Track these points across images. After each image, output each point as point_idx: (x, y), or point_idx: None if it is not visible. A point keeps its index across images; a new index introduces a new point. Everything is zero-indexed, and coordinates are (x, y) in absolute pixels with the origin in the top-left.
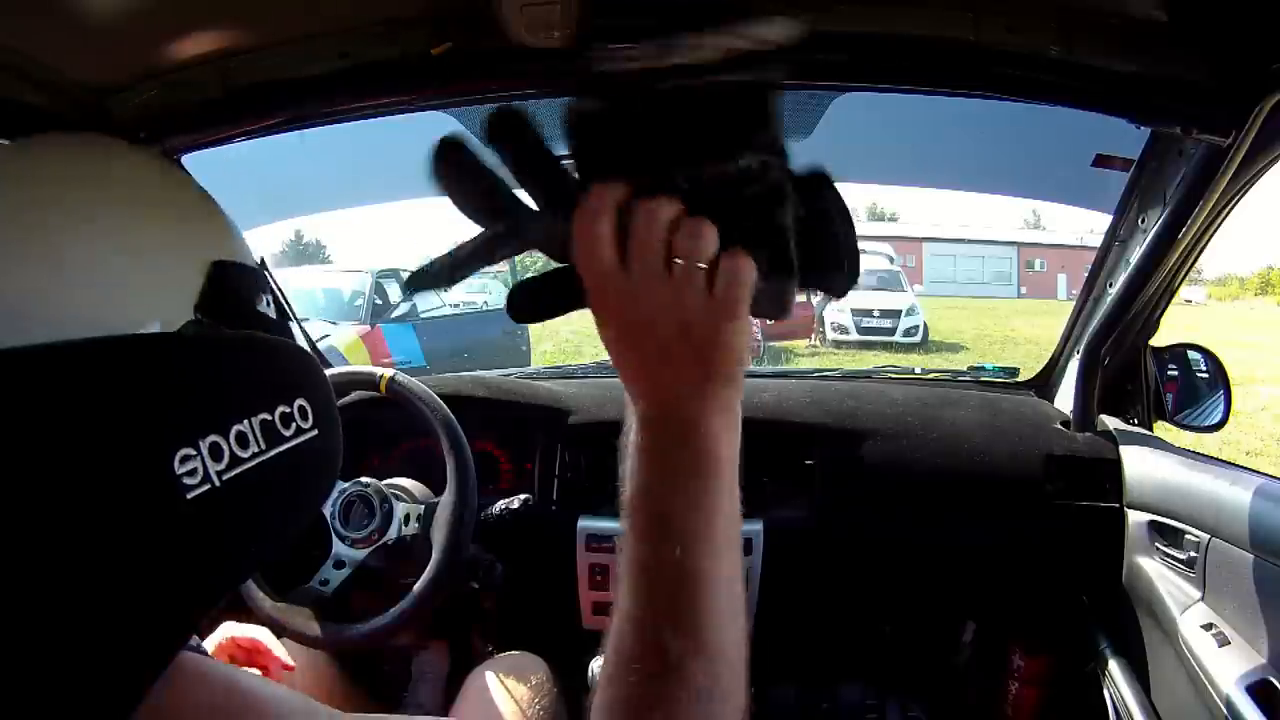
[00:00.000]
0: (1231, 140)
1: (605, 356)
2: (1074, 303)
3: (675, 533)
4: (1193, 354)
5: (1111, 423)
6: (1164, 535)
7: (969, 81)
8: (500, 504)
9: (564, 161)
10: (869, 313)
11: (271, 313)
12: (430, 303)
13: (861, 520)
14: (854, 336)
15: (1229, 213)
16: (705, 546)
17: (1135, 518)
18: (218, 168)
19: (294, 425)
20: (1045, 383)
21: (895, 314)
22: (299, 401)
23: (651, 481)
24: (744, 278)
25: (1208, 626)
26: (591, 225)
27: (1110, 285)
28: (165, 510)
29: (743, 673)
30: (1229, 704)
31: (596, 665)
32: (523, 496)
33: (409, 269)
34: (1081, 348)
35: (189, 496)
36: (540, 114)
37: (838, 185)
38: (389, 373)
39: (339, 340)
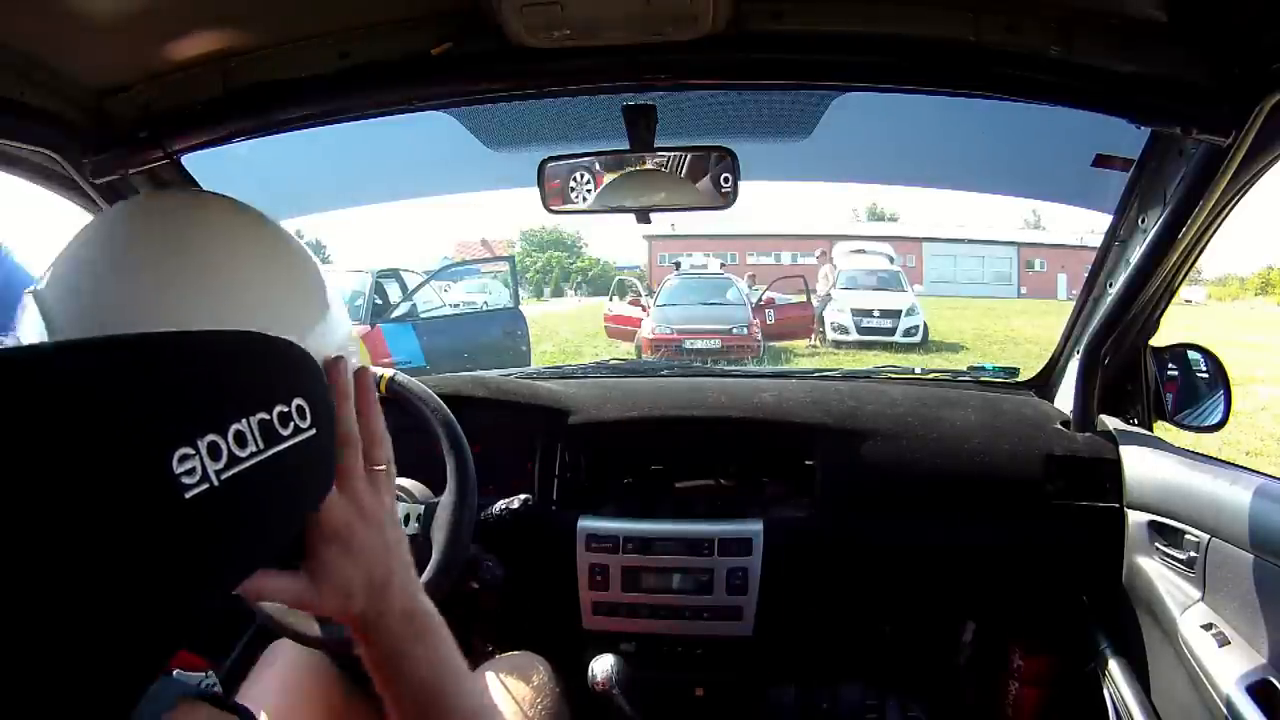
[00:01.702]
0: (1231, 140)
1: (605, 356)
2: (1074, 303)
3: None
4: (1193, 354)
5: (1111, 423)
6: (1164, 535)
7: (969, 81)
8: (500, 504)
9: None
10: (869, 313)
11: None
12: (430, 303)
13: (861, 520)
14: (854, 336)
15: (1229, 213)
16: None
17: (1135, 518)
18: (218, 168)
19: (292, 425)
20: (1045, 383)
21: (895, 314)
22: (297, 401)
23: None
24: None
25: (1208, 626)
26: None
27: (1110, 285)
28: (164, 510)
29: None
30: (1229, 704)
31: (597, 665)
32: (523, 496)
33: (409, 269)
34: (1081, 348)
35: (187, 496)
36: (536, 114)
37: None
38: (389, 373)
39: None
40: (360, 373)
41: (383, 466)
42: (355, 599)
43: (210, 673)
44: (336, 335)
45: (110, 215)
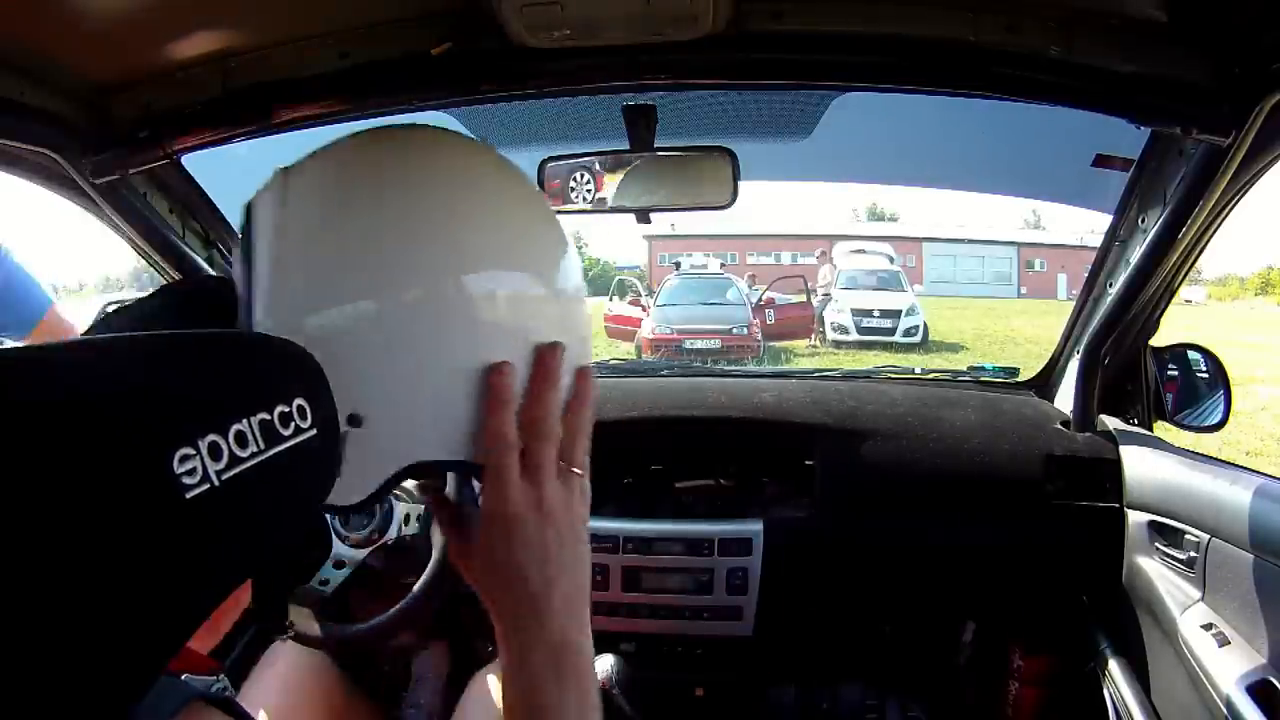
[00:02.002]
0: (1231, 140)
1: (605, 356)
2: (1074, 303)
3: None
4: (1193, 354)
5: (1111, 423)
6: (1164, 535)
7: (969, 81)
8: None
9: None
10: (869, 313)
11: None
12: None
13: (861, 520)
14: (854, 336)
15: (1229, 213)
16: None
17: (1135, 518)
18: (218, 168)
19: (293, 425)
20: (1045, 383)
21: (895, 314)
22: (298, 401)
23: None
24: None
25: (1208, 626)
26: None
27: (1110, 285)
28: (164, 510)
29: None
30: (1229, 704)
31: (597, 665)
32: None
33: None
34: (1081, 348)
35: (188, 496)
36: (536, 114)
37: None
38: None
39: None
40: (581, 373)
41: (579, 471)
42: (500, 599)
43: (222, 676)
44: (574, 277)
45: (341, 154)
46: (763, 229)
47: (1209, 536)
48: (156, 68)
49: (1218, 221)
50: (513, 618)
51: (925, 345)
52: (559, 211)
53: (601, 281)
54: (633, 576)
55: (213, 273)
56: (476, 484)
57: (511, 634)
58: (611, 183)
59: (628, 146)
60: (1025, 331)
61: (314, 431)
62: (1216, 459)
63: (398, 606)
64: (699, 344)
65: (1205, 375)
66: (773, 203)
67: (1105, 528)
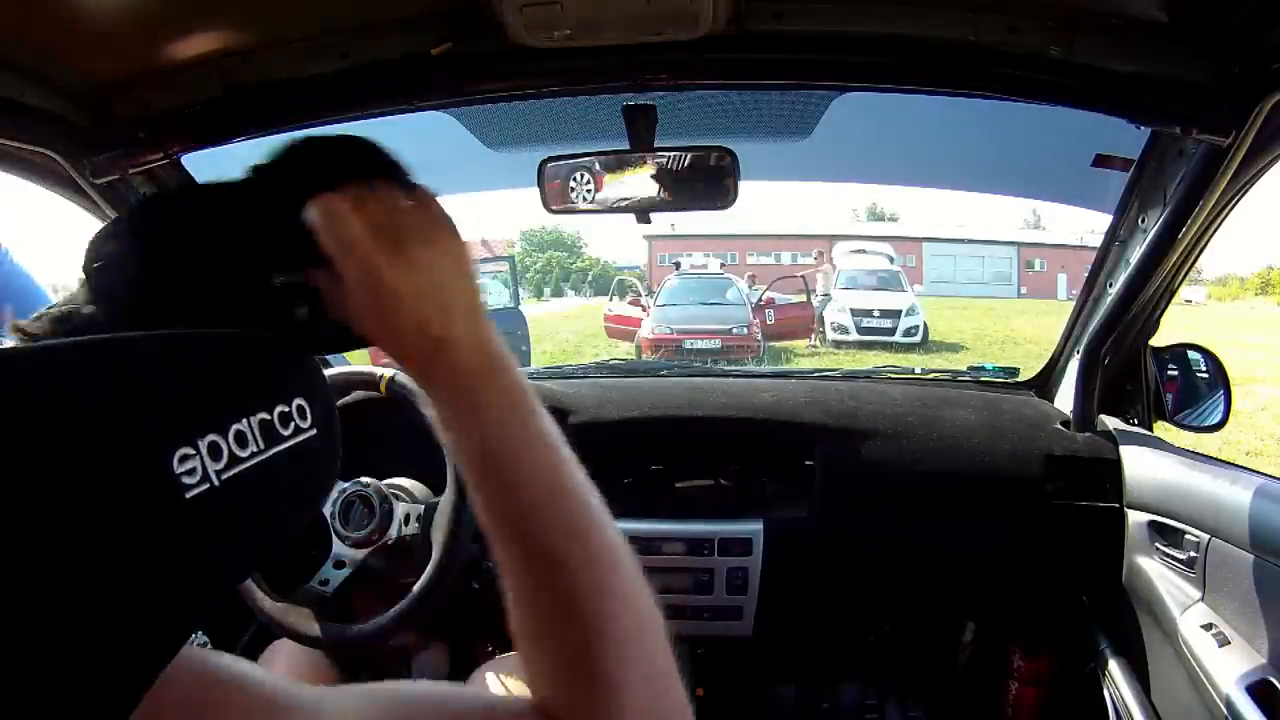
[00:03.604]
0: (1231, 140)
1: (605, 356)
2: (1074, 303)
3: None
4: (1193, 354)
5: (1111, 423)
6: (1164, 535)
7: (969, 81)
8: None
9: None
10: (869, 313)
11: None
12: None
13: (861, 520)
14: (854, 336)
15: (1229, 213)
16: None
17: (1135, 518)
18: (218, 168)
19: (293, 425)
20: (1045, 383)
21: (895, 314)
22: (298, 401)
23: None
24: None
25: (1208, 626)
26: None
27: (1110, 285)
28: (164, 510)
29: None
30: (1229, 704)
31: None
32: None
33: None
34: (1081, 348)
35: (188, 496)
36: (536, 114)
37: None
38: (389, 373)
39: None
40: None
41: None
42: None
43: (199, 633)
44: None
45: None
46: (763, 229)
47: (1209, 536)
48: (156, 68)
49: (1218, 221)
50: (433, 341)
51: (925, 345)
52: (559, 211)
53: (602, 281)
54: None
55: None
56: None
57: (437, 357)
58: (611, 183)
59: (628, 146)
60: (1025, 331)
61: (314, 431)
62: (1216, 459)
63: (398, 606)
64: (699, 344)
65: (1205, 375)
66: (773, 203)
67: (1105, 528)
